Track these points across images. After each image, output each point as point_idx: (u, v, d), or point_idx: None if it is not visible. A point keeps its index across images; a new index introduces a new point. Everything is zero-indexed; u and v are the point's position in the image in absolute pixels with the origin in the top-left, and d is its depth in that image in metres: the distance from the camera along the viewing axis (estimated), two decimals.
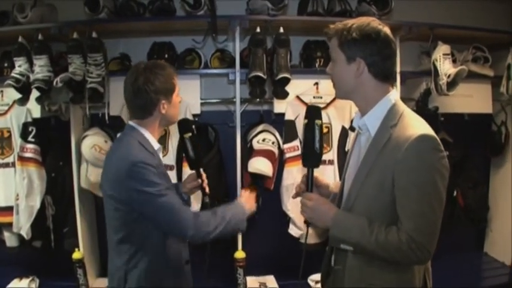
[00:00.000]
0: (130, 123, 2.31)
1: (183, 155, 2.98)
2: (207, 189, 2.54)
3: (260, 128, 3.56)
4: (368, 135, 1.88)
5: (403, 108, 1.85)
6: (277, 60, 3.25)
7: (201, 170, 2.53)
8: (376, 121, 1.84)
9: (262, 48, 3.28)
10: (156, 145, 2.31)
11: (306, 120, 1.96)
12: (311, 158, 1.99)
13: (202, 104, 3.61)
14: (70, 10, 3.58)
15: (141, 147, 2.20)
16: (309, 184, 2.01)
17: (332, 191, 2.15)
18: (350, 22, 1.82)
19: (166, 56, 3.55)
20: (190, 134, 2.50)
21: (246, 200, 2.47)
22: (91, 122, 3.69)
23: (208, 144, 3.66)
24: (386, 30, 1.82)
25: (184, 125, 2.52)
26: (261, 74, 3.21)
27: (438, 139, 1.74)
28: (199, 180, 2.52)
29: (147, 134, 2.28)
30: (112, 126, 3.56)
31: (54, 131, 3.70)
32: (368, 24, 1.80)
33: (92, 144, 3.40)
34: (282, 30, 3.32)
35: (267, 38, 3.33)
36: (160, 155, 2.40)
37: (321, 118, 1.97)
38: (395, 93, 1.89)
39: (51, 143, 3.67)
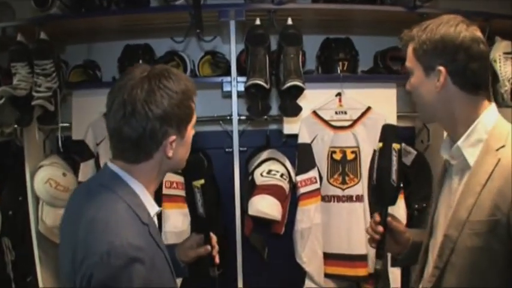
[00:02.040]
0: (113, 167, 1.40)
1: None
2: (217, 259, 1.78)
3: (264, 155, 2.72)
4: (464, 166, 1.49)
5: (510, 126, 1.49)
6: (285, 63, 2.37)
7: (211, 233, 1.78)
8: (475, 146, 1.47)
9: (263, 47, 2.41)
10: (153, 209, 1.43)
11: (380, 144, 1.67)
12: (386, 193, 1.66)
13: None
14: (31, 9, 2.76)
15: (130, 217, 1.31)
16: (384, 226, 1.66)
17: (409, 238, 1.73)
18: (426, 23, 1.50)
19: (141, 61, 2.71)
20: (202, 182, 1.70)
21: None
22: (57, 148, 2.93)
23: (203, 172, 2.71)
24: (472, 28, 1.46)
25: (194, 167, 1.71)
26: (261, 82, 2.33)
27: None
28: (208, 247, 1.74)
29: (140, 189, 1.39)
30: (79, 153, 2.80)
31: (11, 159, 3.01)
32: (447, 22, 1.47)
33: (45, 178, 2.70)
34: (290, 21, 2.44)
35: (270, 35, 2.49)
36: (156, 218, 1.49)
37: (399, 141, 1.66)
38: (495, 109, 1.51)
39: (7, 174, 3.00)
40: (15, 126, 2.79)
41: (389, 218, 1.67)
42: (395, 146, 1.63)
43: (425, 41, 1.45)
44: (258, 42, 2.41)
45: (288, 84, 2.30)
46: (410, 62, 1.53)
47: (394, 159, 1.62)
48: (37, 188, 2.71)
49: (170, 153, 1.36)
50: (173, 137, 1.35)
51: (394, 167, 1.61)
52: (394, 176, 1.61)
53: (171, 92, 1.33)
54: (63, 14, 2.57)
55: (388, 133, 1.68)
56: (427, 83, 1.48)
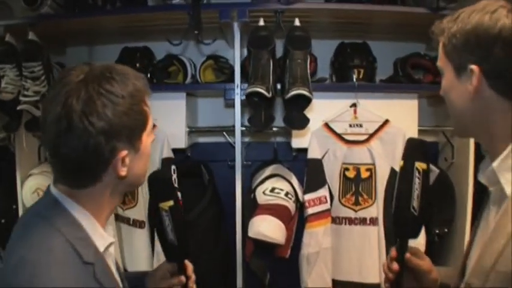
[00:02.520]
0: (54, 191, 1.15)
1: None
2: None
3: (268, 171, 2.46)
4: (501, 195, 1.15)
5: None
6: (291, 69, 2.11)
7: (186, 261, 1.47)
8: None
9: (267, 50, 2.15)
10: (103, 240, 1.16)
11: (401, 163, 1.38)
12: (405, 223, 1.36)
13: (189, 133, 2.55)
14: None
15: (68, 256, 1.05)
16: (400, 264, 1.36)
17: (436, 279, 1.41)
18: (459, 11, 1.20)
19: (137, 65, 2.51)
20: (171, 203, 1.36)
21: None
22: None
23: (203, 189, 2.59)
24: None
25: (159, 186, 1.40)
26: (261, 90, 2.07)
27: None
28: (183, 278, 1.44)
29: (86, 219, 1.13)
30: None
31: (6, 165, 2.80)
32: (483, 8, 1.14)
33: (33, 188, 2.54)
34: (297, 22, 2.18)
35: (276, 39, 2.23)
36: (113, 248, 1.23)
37: (425, 160, 1.36)
38: None
39: (1, 180, 2.81)
40: None
41: (408, 254, 1.36)
42: (420, 165, 1.33)
43: (455, 34, 1.15)
44: (261, 45, 2.15)
45: (292, 93, 2.03)
46: (440, 60, 1.24)
47: (417, 182, 1.33)
48: (25, 198, 2.55)
49: (123, 172, 1.11)
50: (124, 152, 1.10)
51: (416, 192, 1.32)
52: (414, 203, 1.32)
53: (115, 97, 1.07)
54: (55, 14, 2.38)
55: (412, 149, 1.39)
56: (459, 86, 1.19)
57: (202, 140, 2.81)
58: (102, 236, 1.14)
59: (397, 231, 1.41)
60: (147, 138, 1.18)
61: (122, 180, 1.13)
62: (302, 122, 2.19)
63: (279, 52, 2.31)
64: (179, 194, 2.32)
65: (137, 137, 1.13)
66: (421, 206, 1.31)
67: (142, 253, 2.42)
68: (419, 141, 1.43)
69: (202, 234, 2.41)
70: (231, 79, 2.40)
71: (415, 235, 1.37)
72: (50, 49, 2.46)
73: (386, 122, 2.41)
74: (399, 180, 1.38)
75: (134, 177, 1.18)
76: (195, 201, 2.45)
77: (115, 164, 1.09)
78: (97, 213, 1.14)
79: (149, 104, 1.18)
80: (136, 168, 1.16)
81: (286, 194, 2.32)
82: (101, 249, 1.12)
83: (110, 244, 1.18)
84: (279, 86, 2.24)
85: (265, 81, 2.09)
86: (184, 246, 1.42)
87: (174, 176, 2.38)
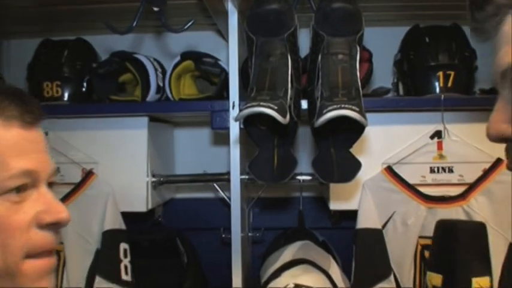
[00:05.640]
0: None
1: None
2: None
3: (289, 253, 1.68)
4: None
5: None
6: (326, 72, 1.28)
7: None
8: None
9: (279, 38, 1.31)
10: None
11: (437, 277, 1.25)
12: None
13: (156, 185, 1.77)
14: None
15: None
16: None
17: None
18: None
19: (65, 70, 1.71)
20: None
21: None
22: None
23: (180, 276, 1.85)
24: None
25: None
26: (269, 111, 1.19)
27: None
28: None
29: None
30: None
31: None
32: None
33: None
34: None
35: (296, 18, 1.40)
36: None
37: (490, 270, 1.22)
38: None
39: None
40: None
41: None
42: (480, 282, 1.17)
43: None
44: (269, 29, 1.32)
45: (329, 115, 1.15)
46: None
47: None
48: None
49: None
50: None
51: None
52: None
53: None
54: None
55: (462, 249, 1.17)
56: None
57: (180, 195, 2.13)
58: None
59: None
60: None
61: None
62: (348, 169, 1.36)
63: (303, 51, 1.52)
64: None
65: None
66: None
67: None
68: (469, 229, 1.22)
69: None
70: (224, 94, 1.62)
71: None
72: None
73: (497, 162, 1.60)
74: None
75: None
76: None
77: None
78: None
79: None
80: None
81: None
82: None
83: None
84: (304, 104, 1.44)
85: (277, 94, 1.23)
86: None
87: (126, 262, 1.56)
